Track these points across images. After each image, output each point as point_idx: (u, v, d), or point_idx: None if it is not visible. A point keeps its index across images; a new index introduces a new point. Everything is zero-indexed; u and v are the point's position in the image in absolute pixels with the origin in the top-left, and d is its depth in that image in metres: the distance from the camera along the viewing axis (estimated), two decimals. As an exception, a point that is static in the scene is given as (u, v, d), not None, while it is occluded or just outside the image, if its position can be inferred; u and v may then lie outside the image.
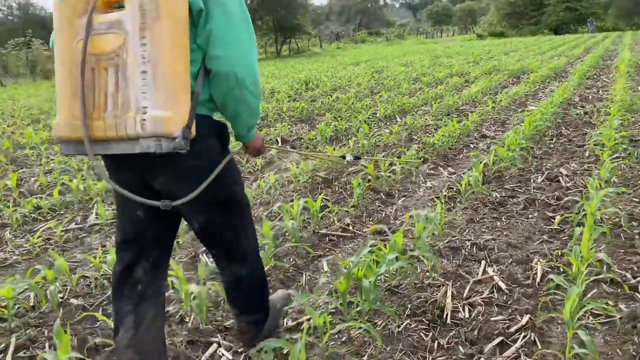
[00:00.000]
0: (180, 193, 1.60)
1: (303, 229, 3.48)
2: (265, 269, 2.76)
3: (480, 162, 4.39)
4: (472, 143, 5.86)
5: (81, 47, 1.45)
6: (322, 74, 15.60)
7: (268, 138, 6.72)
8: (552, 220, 3.30)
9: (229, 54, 1.56)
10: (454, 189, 4.05)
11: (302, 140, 6.41)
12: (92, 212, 4.13)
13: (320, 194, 4.18)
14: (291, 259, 3.05)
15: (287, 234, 3.22)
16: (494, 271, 2.67)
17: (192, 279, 2.67)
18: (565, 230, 3.12)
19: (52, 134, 1.63)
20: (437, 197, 3.83)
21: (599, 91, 8.98)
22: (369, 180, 4.35)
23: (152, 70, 1.43)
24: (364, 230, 3.42)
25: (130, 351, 1.73)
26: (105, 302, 2.64)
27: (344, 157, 2.90)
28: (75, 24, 1.50)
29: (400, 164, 4.54)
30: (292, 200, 4.12)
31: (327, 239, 3.34)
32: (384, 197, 4.10)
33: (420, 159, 4.99)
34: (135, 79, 1.43)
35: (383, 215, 3.70)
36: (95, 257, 2.90)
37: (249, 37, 1.63)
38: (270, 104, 9.82)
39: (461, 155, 5.37)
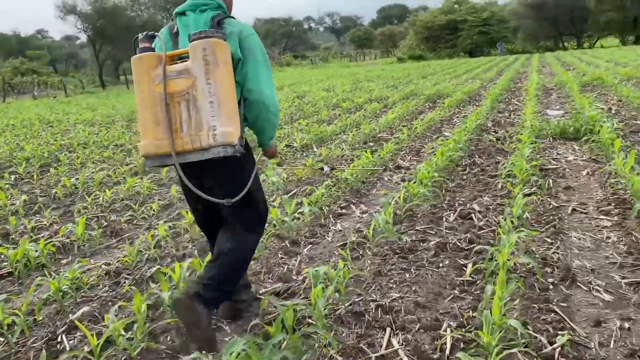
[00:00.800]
0: (224, 187, 2.24)
1: (190, 293, 2.99)
2: (135, 352, 2.27)
3: (391, 202, 4.14)
4: (386, 175, 5.63)
5: (160, 89, 2.04)
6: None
7: (169, 175, 6.16)
8: (464, 269, 3.04)
9: (258, 88, 2.23)
10: (363, 233, 3.73)
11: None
12: None
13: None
14: (168, 338, 2.56)
15: (167, 304, 2.73)
16: (399, 342, 2.32)
17: None
18: (478, 282, 2.85)
19: (140, 154, 2.19)
20: (344, 245, 3.49)
21: (510, 115, 9.17)
22: (274, 226, 3.95)
23: (217, 101, 2.02)
24: (261, 292, 2.98)
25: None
26: None
27: (322, 168, 3.91)
28: (151, 74, 2.07)
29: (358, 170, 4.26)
30: (184, 256, 3.65)
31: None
32: (288, 245, 3.70)
33: (382, 166, 5.62)
34: (205, 108, 2.01)
35: (285, 269, 3.29)
36: None
37: (270, 76, 2.30)
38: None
39: (375, 190, 5.10)
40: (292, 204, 4.11)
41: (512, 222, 3.63)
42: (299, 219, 4.16)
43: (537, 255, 3.12)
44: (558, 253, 3.13)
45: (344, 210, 4.47)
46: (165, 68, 2.03)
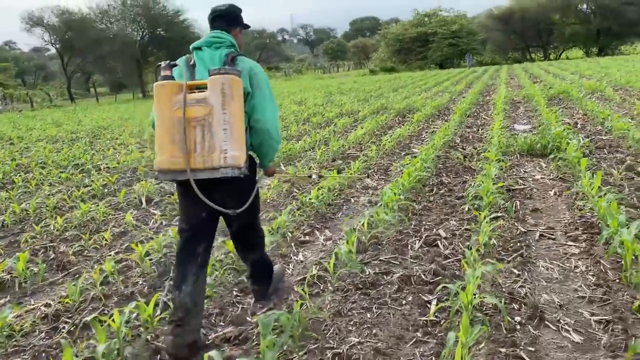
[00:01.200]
0: (230, 203, 2.52)
1: (132, 340, 2.75)
2: None
3: (356, 227, 3.97)
4: (353, 196, 5.46)
5: (179, 114, 2.32)
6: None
7: (127, 198, 5.88)
8: (428, 306, 2.87)
9: (264, 118, 2.56)
10: (325, 264, 3.53)
11: (165, 204, 5.64)
12: None
13: (165, 279, 3.49)
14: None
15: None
16: (356, 398, 2.13)
17: None
18: (442, 322, 2.68)
19: (155, 168, 2.41)
20: (304, 280, 3.29)
21: (478, 130, 9.15)
22: (231, 258, 3.72)
23: (230, 128, 2.32)
24: (210, 337, 2.75)
25: (189, 299, 2.54)
26: None
27: (310, 176, 4.53)
28: (172, 99, 2.34)
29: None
30: (132, 294, 3.39)
31: (158, 356, 2.62)
32: (245, 280, 3.48)
33: (366, 173, 6.16)
34: (219, 133, 2.31)
35: (239, 309, 3.07)
36: None
37: (274, 108, 2.64)
38: (146, 152, 8.93)
39: (340, 213, 4.92)
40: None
41: (478, 250, 3.50)
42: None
43: (503, 289, 2.97)
44: (525, 287, 2.99)
45: (307, 237, 4.28)
46: (186, 96, 2.33)
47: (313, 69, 72.83)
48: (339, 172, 6.22)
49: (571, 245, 3.61)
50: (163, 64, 2.50)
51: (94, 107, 31.39)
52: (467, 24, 56.07)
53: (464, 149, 7.42)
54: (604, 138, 7.17)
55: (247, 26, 2.85)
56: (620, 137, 6.92)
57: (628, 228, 3.01)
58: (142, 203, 5.78)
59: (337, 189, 5.51)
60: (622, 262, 3.08)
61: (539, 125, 8.56)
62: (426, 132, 9.48)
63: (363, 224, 3.98)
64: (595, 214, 3.97)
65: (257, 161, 2.84)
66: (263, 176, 3.25)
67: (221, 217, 2.75)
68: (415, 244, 3.87)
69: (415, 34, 54.71)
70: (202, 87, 2.39)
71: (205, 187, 2.40)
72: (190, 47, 2.64)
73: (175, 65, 2.54)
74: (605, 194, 4.04)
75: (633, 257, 2.98)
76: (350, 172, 6.08)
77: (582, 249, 3.51)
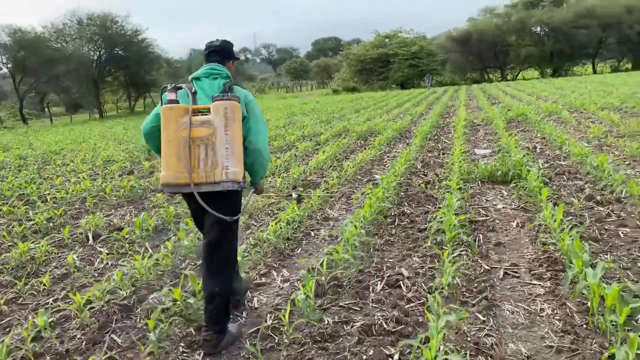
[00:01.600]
0: (223, 212, 2.84)
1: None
2: None
3: (315, 267, 3.75)
4: (313, 229, 5.25)
5: (185, 134, 2.65)
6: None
7: (73, 234, 5.48)
8: (390, 361, 2.66)
9: (257, 139, 2.94)
10: (282, 311, 3.29)
11: (113, 241, 5.28)
12: None
13: (108, 331, 3.18)
14: None
15: None
16: None
17: None
18: (404, 382, 2.48)
19: (161, 182, 2.74)
20: (257, 332, 3.03)
21: (439, 155, 9.13)
22: (179, 306, 3.43)
23: (231, 147, 2.69)
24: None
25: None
26: None
27: (291, 195, 4.91)
28: (178, 121, 2.67)
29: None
30: (67, 352, 3.06)
31: None
32: (194, 331, 3.20)
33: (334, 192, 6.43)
34: (222, 151, 2.67)
35: (184, 368, 2.79)
36: None
37: (265, 131, 3.01)
38: (97, 181, 8.49)
39: (299, 249, 4.70)
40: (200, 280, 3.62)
41: (442, 292, 3.34)
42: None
43: (469, 338, 2.80)
44: (492, 335, 2.83)
45: (263, 279, 4.03)
46: (191, 118, 2.65)
47: (276, 88, 72.89)
48: (298, 200, 6.07)
49: (536, 284, 3.49)
50: (169, 86, 2.83)
51: (47, 129, 30.28)
52: (427, 45, 57.40)
53: (426, 175, 7.35)
54: (563, 164, 7.23)
55: (238, 58, 3.28)
56: (578, 163, 6.99)
57: (593, 269, 2.90)
58: (88, 239, 5.40)
59: (296, 222, 5.29)
60: (589, 304, 2.97)
61: (499, 150, 8.61)
62: (388, 157, 9.41)
63: (322, 264, 3.76)
64: (559, 248, 3.89)
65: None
66: (253, 194, 3.44)
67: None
68: (377, 285, 3.67)
69: (376, 55, 55.59)
70: (204, 111, 2.73)
71: (205, 199, 2.74)
72: (190, 77, 3.00)
73: (180, 87, 2.85)
74: (568, 228, 3.97)
75: (600, 300, 2.87)
76: (318, 192, 6.19)
77: (547, 288, 3.39)
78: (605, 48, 54.71)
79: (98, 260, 4.77)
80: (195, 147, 2.63)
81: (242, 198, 3.08)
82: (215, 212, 2.76)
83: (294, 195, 4.37)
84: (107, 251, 4.95)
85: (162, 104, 2.77)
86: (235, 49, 3.27)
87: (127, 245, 5.03)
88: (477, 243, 4.29)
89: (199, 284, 3.54)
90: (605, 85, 23.59)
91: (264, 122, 3.00)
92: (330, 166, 8.64)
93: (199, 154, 2.63)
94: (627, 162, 6.90)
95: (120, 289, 3.83)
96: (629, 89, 19.07)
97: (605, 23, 50.12)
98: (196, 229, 3.64)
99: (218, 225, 2.92)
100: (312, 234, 5.13)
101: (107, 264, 4.66)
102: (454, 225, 4.27)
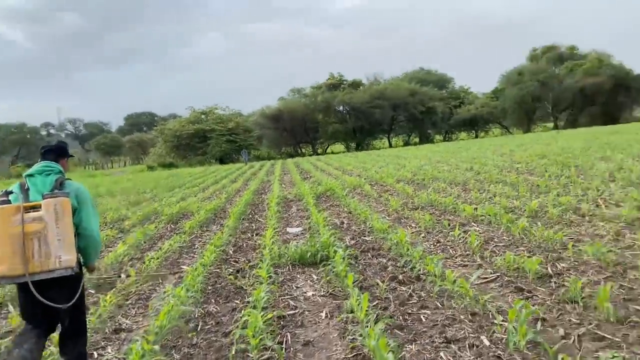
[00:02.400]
0: (60, 300, 3.09)
1: None
2: None
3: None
4: (97, 347, 4.34)
5: (18, 230, 2.89)
6: None
7: None
8: None
9: (90, 227, 3.27)
10: None
11: None
12: None
13: None
14: None
15: None
16: None
17: None
18: None
19: None
20: None
21: (253, 235, 8.83)
22: None
23: (63, 238, 2.96)
24: None
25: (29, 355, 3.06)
26: None
27: (120, 275, 5.74)
28: (11, 219, 2.91)
29: None
30: None
31: None
32: None
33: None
34: (54, 243, 2.93)
35: None
36: None
37: (97, 219, 3.38)
38: None
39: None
40: None
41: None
42: None
43: None
44: None
45: None
46: (24, 215, 2.92)
47: (84, 166, 67.21)
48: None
49: (345, 392, 3.19)
50: (0, 192, 3.09)
51: None
52: (243, 121, 59.07)
53: (237, 262, 6.91)
54: (368, 239, 7.45)
55: (72, 156, 3.67)
56: (381, 239, 7.26)
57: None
58: None
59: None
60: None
61: (309, 228, 8.64)
62: (199, 241, 8.78)
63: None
64: (367, 344, 3.69)
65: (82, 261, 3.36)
66: (86, 273, 3.55)
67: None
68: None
69: (193, 131, 55.18)
70: (36, 207, 2.97)
71: (41, 286, 2.95)
72: (24, 174, 3.27)
73: (11, 192, 3.15)
74: (374, 318, 3.84)
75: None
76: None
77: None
78: (397, 125, 62.88)
79: None
80: (29, 241, 2.90)
81: (82, 280, 3.28)
82: (51, 301, 3.00)
83: (123, 276, 4.69)
84: None
85: None
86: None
87: None
88: (284, 345, 3.90)
89: None
90: (399, 158, 26.49)
91: (95, 211, 3.37)
92: (131, 260, 7.67)
93: (33, 246, 2.90)
94: (422, 235, 7.39)
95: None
96: (418, 161, 21.61)
97: (395, 104, 57.80)
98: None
99: (66, 314, 3.20)
100: (96, 355, 4.22)
101: None
102: (259, 329, 3.85)
